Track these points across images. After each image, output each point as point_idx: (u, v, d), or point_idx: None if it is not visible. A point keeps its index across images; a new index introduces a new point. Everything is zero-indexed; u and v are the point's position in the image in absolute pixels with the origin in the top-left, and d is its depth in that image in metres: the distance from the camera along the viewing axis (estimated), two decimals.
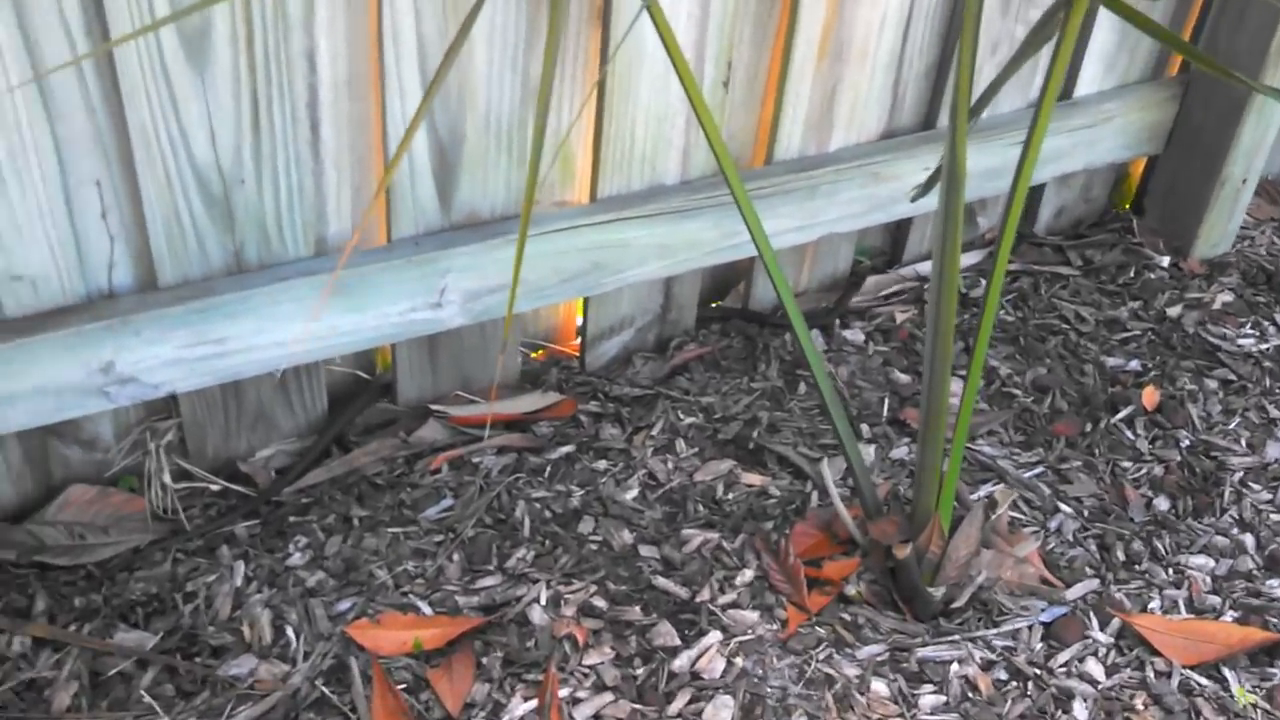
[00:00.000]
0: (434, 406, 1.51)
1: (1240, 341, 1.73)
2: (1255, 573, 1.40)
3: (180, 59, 1.15)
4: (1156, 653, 1.29)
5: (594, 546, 1.37)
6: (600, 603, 1.30)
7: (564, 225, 1.44)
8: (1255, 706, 1.25)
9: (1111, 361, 1.67)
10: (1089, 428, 1.57)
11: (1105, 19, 1.73)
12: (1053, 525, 1.44)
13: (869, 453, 1.51)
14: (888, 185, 1.64)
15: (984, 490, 1.48)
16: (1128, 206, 1.98)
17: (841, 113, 1.59)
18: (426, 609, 1.28)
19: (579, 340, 1.62)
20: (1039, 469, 1.51)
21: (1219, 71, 0.98)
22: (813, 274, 1.75)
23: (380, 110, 1.29)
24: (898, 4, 1.54)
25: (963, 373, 1.64)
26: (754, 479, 1.47)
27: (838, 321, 1.71)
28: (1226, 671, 1.28)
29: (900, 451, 1.52)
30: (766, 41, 1.50)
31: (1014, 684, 1.26)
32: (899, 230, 1.80)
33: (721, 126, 1.52)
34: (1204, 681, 1.27)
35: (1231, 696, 1.26)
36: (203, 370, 1.30)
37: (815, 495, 1.45)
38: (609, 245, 1.47)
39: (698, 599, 1.31)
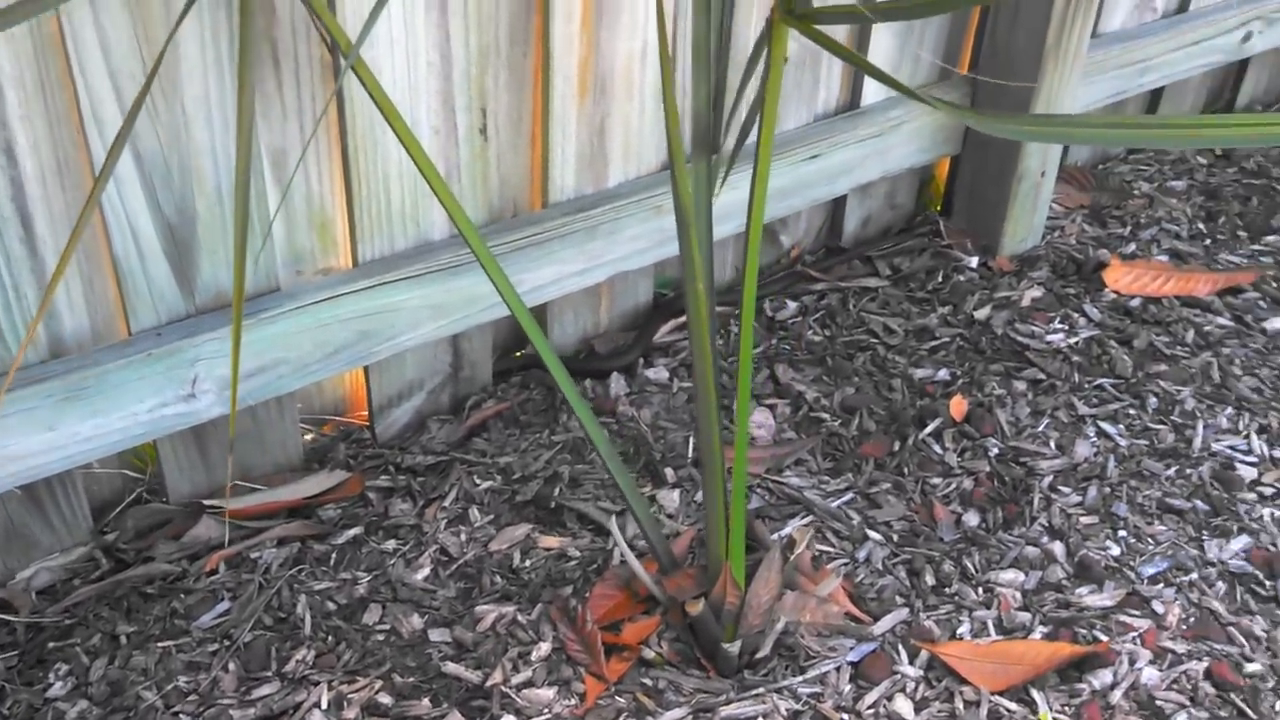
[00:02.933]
0: (208, 501, 1.42)
1: (1049, 338, 1.70)
2: (1065, 582, 1.36)
3: None
4: (966, 681, 1.25)
5: (381, 637, 1.29)
6: (386, 699, 1.22)
7: (323, 296, 1.36)
8: None
9: (920, 373, 1.64)
10: (897, 446, 1.53)
11: (883, 26, 1.70)
12: (861, 555, 1.40)
13: (673, 498, 1.46)
14: (673, 218, 1.59)
15: (794, 525, 1.43)
16: (938, 208, 1.96)
17: (615, 148, 1.54)
18: None
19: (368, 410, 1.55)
20: (848, 495, 1.47)
21: (896, 86, 0.94)
22: (611, 313, 1.69)
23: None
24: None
25: (770, 402, 1.59)
26: (553, 541, 1.40)
27: (641, 360, 1.65)
28: (1036, 693, 1.24)
29: None
30: (525, 83, 1.44)
31: None
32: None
33: (489, 173, 1.45)
34: (1013, 707, 1.23)
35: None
36: None
37: (617, 553, 1.39)
38: (376, 311, 1.40)
39: (490, 682, 1.24)
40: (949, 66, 1.82)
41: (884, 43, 1.72)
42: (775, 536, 1.40)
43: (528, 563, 1.38)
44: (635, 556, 1.35)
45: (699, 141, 1.21)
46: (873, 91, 1.75)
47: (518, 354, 1.66)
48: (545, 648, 1.28)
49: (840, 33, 1.68)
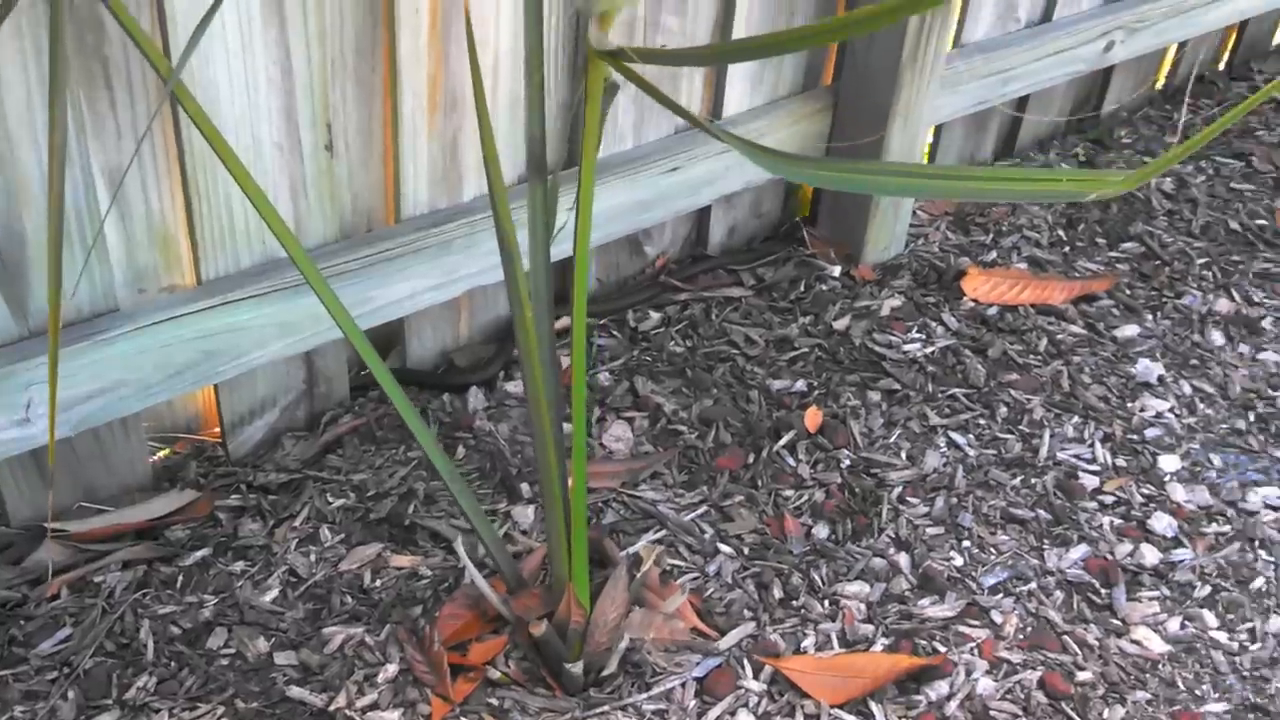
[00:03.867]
0: (50, 525, 1.39)
1: (906, 347, 1.73)
2: (909, 593, 1.39)
3: None
4: (807, 695, 1.27)
5: (225, 661, 1.28)
6: None
7: (165, 316, 1.34)
8: None
9: (778, 384, 1.66)
10: (752, 458, 1.55)
11: (745, 34, 1.71)
12: (712, 569, 1.41)
13: (528, 514, 1.46)
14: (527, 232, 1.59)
15: (645, 540, 1.44)
16: (806, 215, 1.98)
17: (469, 162, 1.53)
18: None
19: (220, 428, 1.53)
20: (702, 509, 1.48)
21: (693, 121, 0.95)
22: (472, 326, 1.68)
23: None
24: (509, 47, 1.49)
25: (630, 415, 1.60)
26: (405, 560, 1.39)
27: (502, 373, 1.65)
28: (874, 705, 1.27)
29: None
30: (374, 98, 1.42)
31: None
32: (564, 269, 1.76)
33: (338, 189, 1.44)
34: (849, 719, 1.25)
35: None
36: None
37: (469, 572, 1.39)
38: (222, 331, 1.38)
39: (334, 706, 1.23)
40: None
41: None
42: (626, 553, 1.41)
43: (378, 582, 1.37)
44: (486, 575, 1.35)
45: (534, 165, 1.20)
46: (735, 103, 1.76)
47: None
48: (392, 669, 1.28)
49: (703, 40, 1.69)
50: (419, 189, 1.51)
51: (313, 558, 1.39)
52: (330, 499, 1.46)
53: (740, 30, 1.70)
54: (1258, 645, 1.36)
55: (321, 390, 1.57)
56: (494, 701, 1.26)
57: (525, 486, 1.49)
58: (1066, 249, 2.00)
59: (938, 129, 2.10)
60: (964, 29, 2.00)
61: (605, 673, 1.28)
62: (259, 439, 1.53)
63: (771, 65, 1.78)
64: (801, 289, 1.83)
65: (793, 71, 1.82)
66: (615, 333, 1.72)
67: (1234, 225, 2.09)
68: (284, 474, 1.48)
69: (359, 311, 1.48)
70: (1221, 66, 2.59)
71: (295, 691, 1.25)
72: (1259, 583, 1.43)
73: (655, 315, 1.76)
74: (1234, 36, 2.57)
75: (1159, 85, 2.49)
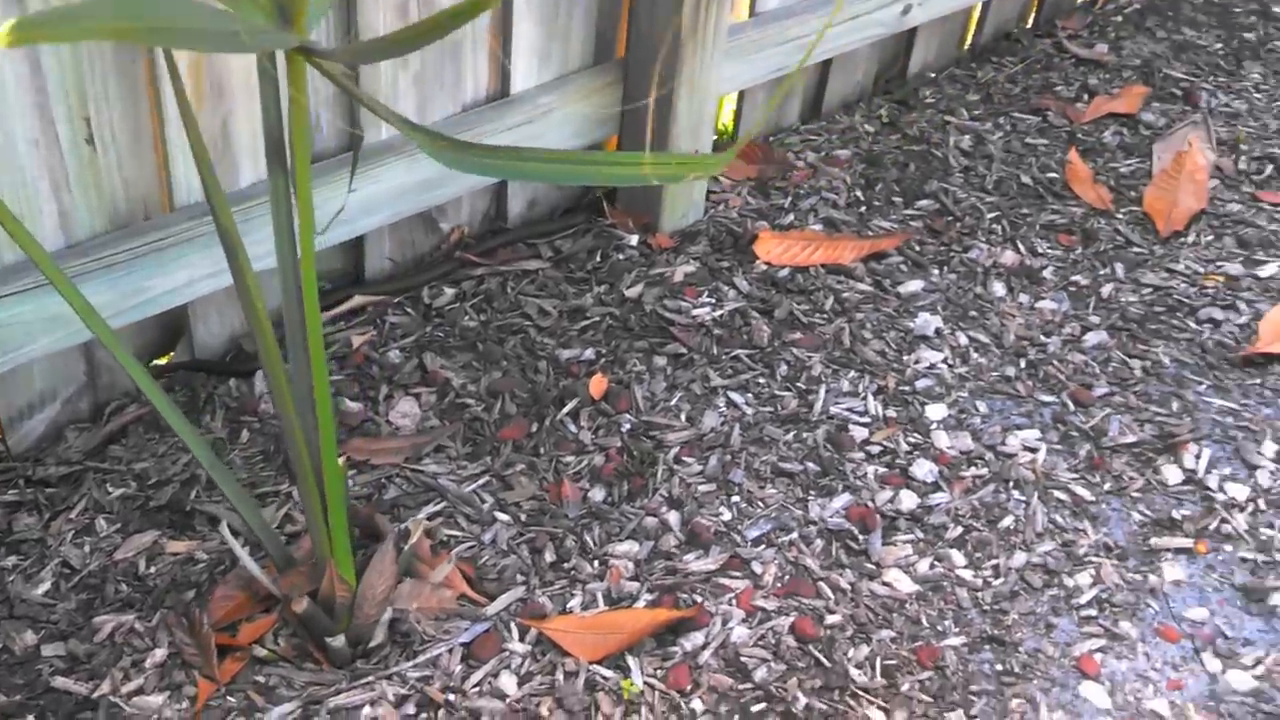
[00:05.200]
0: None
1: (695, 312, 1.79)
2: (675, 550, 1.45)
3: None
4: (568, 653, 1.33)
5: None
6: None
7: None
8: (651, 689, 1.30)
9: (567, 354, 1.70)
10: (535, 428, 1.59)
11: (526, 11, 1.73)
12: (488, 537, 1.46)
13: None
14: (318, 211, 1.61)
15: (425, 512, 1.48)
16: (610, 185, 2.02)
17: (243, 148, 1.55)
18: None
19: None
20: (483, 479, 1.52)
21: (388, 118, 0.98)
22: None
23: None
24: None
25: (417, 391, 1.63)
26: (181, 546, 1.42)
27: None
28: (631, 660, 1.32)
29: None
30: (138, 89, 1.43)
31: (424, 715, 1.27)
32: (357, 250, 1.78)
33: (103, 181, 1.44)
34: (608, 674, 1.31)
35: (634, 685, 1.30)
36: None
37: (248, 552, 1.42)
38: None
39: (98, 693, 1.26)
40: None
41: (529, 30, 1.76)
42: (402, 526, 1.45)
43: (154, 569, 1.39)
44: (261, 557, 1.38)
45: (272, 153, 1.23)
46: (522, 79, 1.79)
47: (165, 358, 1.67)
48: (161, 654, 1.31)
49: (483, 25, 1.71)
50: (191, 177, 1.52)
51: (87, 548, 1.41)
52: (110, 489, 1.47)
53: (521, 12, 1.73)
54: (1000, 581, 1.44)
55: (104, 381, 1.58)
56: (260, 679, 1.29)
57: None
58: (863, 209, 2.06)
59: (740, 95, 2.15)
60: None
61: (372, 644, 1.32)
62: (40, 433, 1.54)
63: (559, 39, 1.81)
64: (598, 259, 1.88)
65: (582, 45, 1.85)
66: (409, 310, 1.75)
67: (1025, 179, 2.17)
68: (64, 466, 1.50)
69: (136, 301, 1.50)
70: (1030, 24, 2.67)
71: (60, 681, 1.27)
72: (1008, 521, 1.51)
73: (450, 291, 1.79)
74: None
75: (966, 45, 2.56)
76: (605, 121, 1.90)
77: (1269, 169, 2.27)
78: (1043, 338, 1.82)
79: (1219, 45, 2.66)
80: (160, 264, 1.50)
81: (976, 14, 2.54)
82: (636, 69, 1.86)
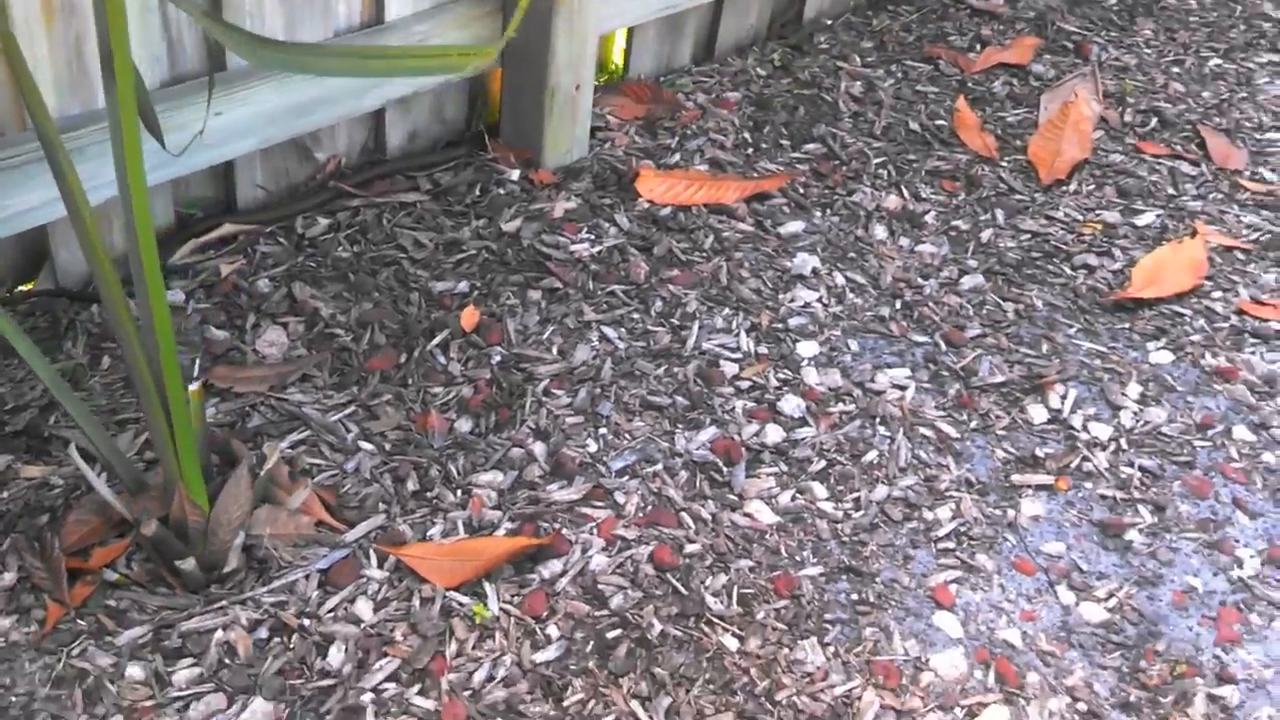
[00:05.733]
0: None
1: (574, 248, 1.78)
2: (539, 480, 1.45)
3: None
4: (425, 580, 1.32)
5: None
6: None
7: None
8: (506, 615, 1.30)
9: (440, 287, 1.68)
10: (404, 359, 1.57)
11: None
12: (351, 466, 1.44)
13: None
14: (174, 136, 1.56)
15: (290, 439, 1.46)
16: (495, 119, 1.99)
17: (98, 68, 1.50)
18: None
19: None
20: (350, 409, 1.50)
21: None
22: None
23: None
24: None
25: (285, 320, 1.61)
26: (35, 471, 1.38)
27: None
28: (488, 586, 1.32)
29: (207, 413, 1.48)
30: None
31: (277, 640, 1.26)
32: (228, 177, 1.74)
33: None
34: (464, 600, 1.31)
35: (488, 610, 1.30)
36: None
37: (105, 478, 1.39)
38: None
39: None
40: None
41: None
42: (265, 449, 1.42)
43: (6, 494, 1.36)
44: (114, 482, 1.35)
45: (106, 66, 1.19)
46: (398, 7, 1.76)
47: (28, 284, 1.62)
48: (9, 578, 1.28)
49: None
50: (46, 95, 1.47)
51: None
52: None
53: None
54: (860, 513, 1.46)
55: None
56: (112, 603, 1.27)
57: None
58: (750, 151, 2.06)
59: (630, 32, 2.14)
60: None
61: (227, 569, 1.30)
62: None
63: None
64: (478, 193, 1.85)
65: None
66: (281, 240, 1.72)
67: (914, 126, 2.18)
68: None
69: None
70: None
71: None
72: (871, 455, 1.53)
73: (324, 222, 1.76)
74: None
75: None
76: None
77: (1153, 121, 2.30)
78: (920, 280, 1.84)
79: (1114, 1, 2.70)
80: (15, 182, 1.45)
81: None
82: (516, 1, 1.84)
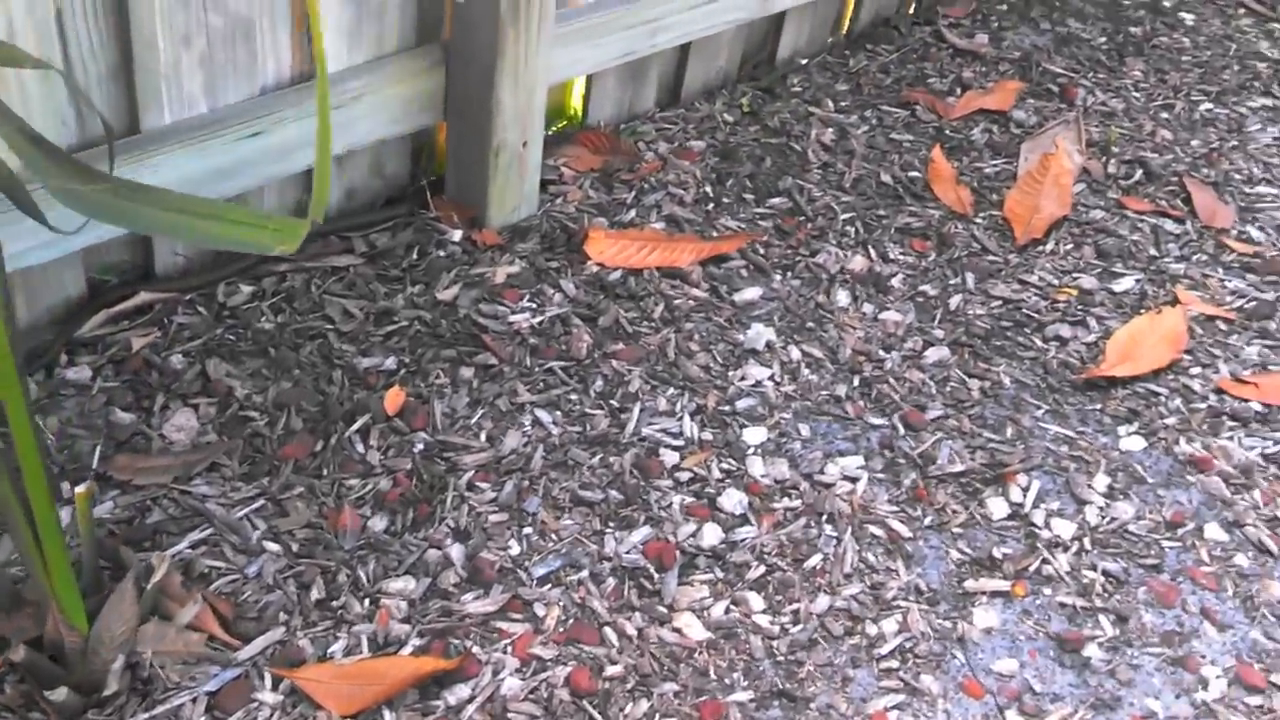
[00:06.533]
0: None
1: (513, 318, 1.68)
2: (454, 588, 1.35)
3: None
4: (321, 706, 1.22)
5: None
6: None
7: None
8: None
9: (366, 363, 1.58)
10: (320, 446, 1.48)
11: None
12: (253, 569, 1.34)
13: (64, 516, 1.37)
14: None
15: (190, 538, 1.36)
16: (439, 174, 1.89)
17: None
18: None
19: None
20: (257, 503, 1.41)
21: None
22: (36, 307, 1.56)
23: None
24: (41, 4, 1.35)
25: (196, 401, 1.51)
26: None
27: (65, 357, 1.54)
28: (389, 713, 1.22)
29: (104, 509, 1.38)
30: None
31: None
32: (146, 242, 1.64)
33: None
34: None
35: None
36: None
37: None
38: None
39: None
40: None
41: (334, 9, 1.62)
42: (151, 558, 1.33)
43: None
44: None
45: None
46: (331, 61, 1.66)
47: None
48: None
49: (281, 2, 1.57)
50: None
51: None
52: None
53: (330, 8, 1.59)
54: (799, 628, 1.36)
55: None
56: None
57: (68, 487, 1.40)
58: (711, 206, 1.96)
59: (589, 78, 2.03)
60: None
61: (107, 692, 1.21)
62: None
63: (372, 18, 1.67)
64: (416, 257, 1.75)
65: (400, 24, 1.71)
66: (201, 309, 1.62)
67: (886, 178, 2.08)
68: None
69: None
70: (911, 11, 2.57)
71: None
72: (815, 560, 1.43)
73: (248, 289, 1.66)
74: None
75: (844, 30, 2.46)
76: (429, 107, 1.77)
77: (1138, 173, 2.20)
78: (881, 353, 1.74)
79: (1103, 40, 2.59)
80: None
81: None
82: (460, 53, 1.74)
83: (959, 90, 2.34)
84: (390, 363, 1.59)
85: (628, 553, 1.40)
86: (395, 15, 1.70)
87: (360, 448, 1.48)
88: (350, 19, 1.65)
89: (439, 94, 1.77)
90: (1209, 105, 2.43)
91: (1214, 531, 1.54)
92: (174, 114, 1.54)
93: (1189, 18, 2.74)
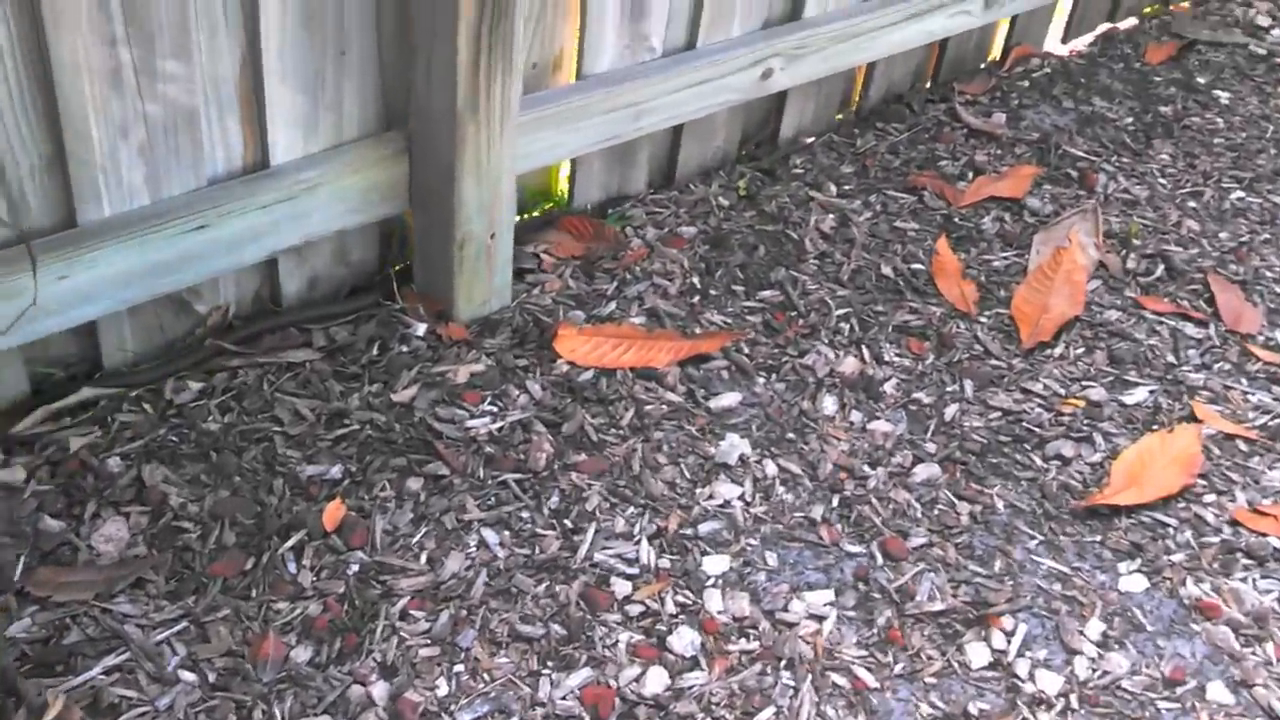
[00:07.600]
0: None
1: (471, 423, 1.59)
2: None
3: None
4: None
5: None
6: None
7: None
8: None
9: (310, 471, 1.50)
10: (252, 564, 1.39)
11: (280, 80, 1.52)
12: (164, 702, 1.26)
13: None
14: (12, 304, 1.40)
15: (104, 663, 1.28)
16: (409, 261, 1.81)
17: None
18: None
19: None
20: (179, 625, 1.33)
21: None
22: None
23: None
24: None
25: (130, 509, 1.43)
26: None
27: (1, 456, 1.47)
28: None
29: (20, 626, 1.31)
30: None
31: None
32: (92, 335, 1.57)
33: None
34: None
35: None
36: None
37: None
38: None
39: None
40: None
41: (287, 98, 1.55)
42: (53, 691, 1.25)
43: None
44: None
45: None
46: (285, 150, 1.58)
47: None
48: None
49: (229, 84, 1.50)
50: None
51: None
52: None
53: (273, 68, 1.52)
54: None
55: None
56: None
57: None
58: (696, 299, 1.86)
59: (573, 161, 1.95)
60: (585, 60, 1.84)
61: None
62: None
63: (329, 106, 1.60)
64: (376, 352, 1.67)
65: (361, 112, 1.64)
66: (146, 406, 1.55)
67: (886, 270, 1.97)
68: None
69: None
70: (927, 86, 2.47)
71: None
72: (767, 714, 1.31)
73: (197, 386, 1.58)
74: (935, 56, 2.44)
75: (853, 106, 2.36)
76: (392, 196, 1.69)
77: (1160, 269, 2.07)
78: (866, 469, 1.63)
79: (1129, 120, 2.46)
80: None
81: (862, 74, 2.33)
82: (420, 143, 1.65)
83: (971, 174, 2.22)
84: (336, 471, 1.50)
85: (563, 698, 1.30)
86: (354, 104, 1.62)
87: (293, 567, 1.40)
88: (306, 108, 1.58)
89: (402, 183, 1.69)
90: (1240, 193, 2.29)
91: (1217, 691, 1.41)
92: (114, 206, 1.47)
93: (1224, 95, 2.61)
